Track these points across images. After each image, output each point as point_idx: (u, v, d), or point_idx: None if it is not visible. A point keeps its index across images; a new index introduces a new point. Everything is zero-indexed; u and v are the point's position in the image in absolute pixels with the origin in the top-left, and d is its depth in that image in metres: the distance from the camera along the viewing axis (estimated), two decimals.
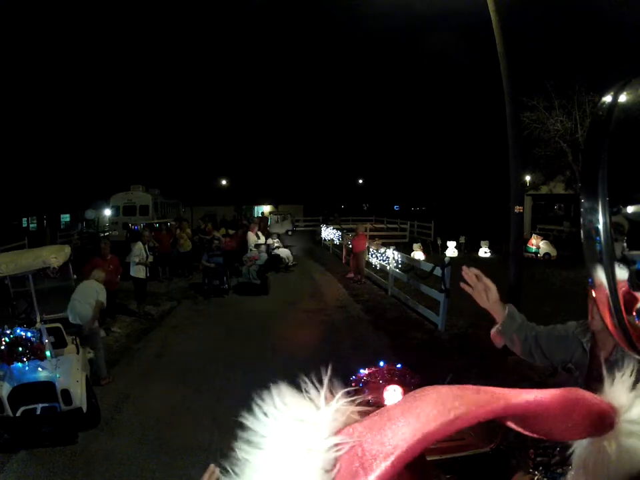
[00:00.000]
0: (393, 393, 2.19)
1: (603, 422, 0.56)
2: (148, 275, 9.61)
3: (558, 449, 1.55)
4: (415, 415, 0.44)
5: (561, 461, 1.50)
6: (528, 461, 1.58)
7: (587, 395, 0.56)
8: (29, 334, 4.47)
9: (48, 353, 4.52)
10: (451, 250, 17.15)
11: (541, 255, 16.48)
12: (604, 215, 0.57)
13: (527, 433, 0.56)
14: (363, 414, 0.49)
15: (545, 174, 21.20)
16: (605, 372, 0.62)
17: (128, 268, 9.23)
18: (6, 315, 6.07)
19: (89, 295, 5.87)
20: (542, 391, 0.53)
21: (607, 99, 0.62)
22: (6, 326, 4.55)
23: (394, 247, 11.98)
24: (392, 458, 0.41)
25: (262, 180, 40.41)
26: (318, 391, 0.50)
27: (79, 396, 4.40)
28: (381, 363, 2.81)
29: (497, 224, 15.84)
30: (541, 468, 1.51)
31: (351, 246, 13.35)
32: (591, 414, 0.55)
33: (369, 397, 2.25)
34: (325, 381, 0.51)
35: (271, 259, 12.60)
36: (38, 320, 4.91)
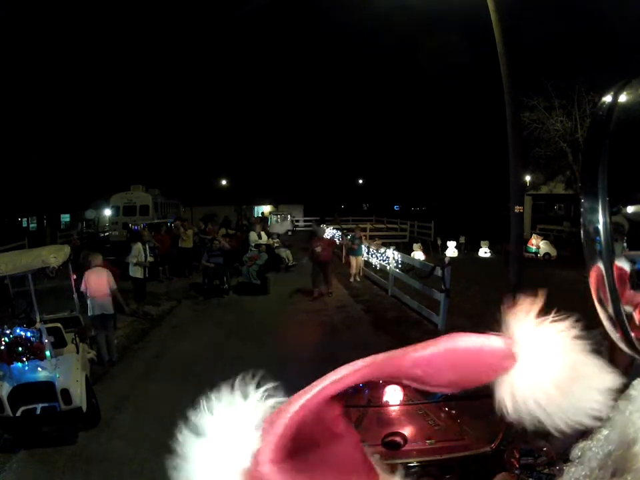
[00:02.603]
0: (392, 393, 2.19)
1: (502, 361, 0.55)
2: (147, 275, 9.60)
3: (544, 449, 1.55)
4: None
5: (548, 462, 1.50)
6: (512, 461, 1.58)
7: (470, 337, 0.55)
8: (29, 334, 4.47)
9: (48, 353, 4.51)
10: (451, 250, 17.15)
11: (541, 255, 16.48)
12: (604, 215, 0.57)
13: (431, 389, 0.57)
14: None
15: (545, 174, 21.20)
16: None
17: (128, 268, 9.24)
18: (6, 315, 6.08)
19: (104, 284, 6.36)
20: (422, 345, 0.55)
21: (607, 98, 0.62)
22: (6, 326, 4.55)
23: (394, 247, 11.98)
24: (287, 414, 0.50)
25: (262, 180, 40.41)
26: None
27: (79, 395, 4.40)
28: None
29: (497, 224, 15.84)
30: (526, 469, 1.52)
31: (316, 251, 10.62)
32: (483, 354, 0.54)
33: (369, 397, 2.26)
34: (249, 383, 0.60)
35: (271, 259, 12.61)
36: (38, 320, 4.90)
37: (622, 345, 0.59)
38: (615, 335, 0.58)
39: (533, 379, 0.54)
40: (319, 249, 10.50)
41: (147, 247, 9.70)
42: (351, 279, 12.36)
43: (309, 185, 43.56)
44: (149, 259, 9.59)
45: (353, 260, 12.56)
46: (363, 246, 12.90)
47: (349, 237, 13.36)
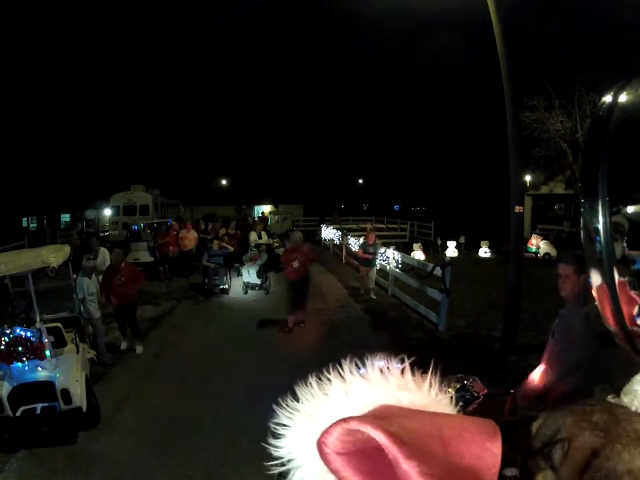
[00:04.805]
0: None
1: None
2: None
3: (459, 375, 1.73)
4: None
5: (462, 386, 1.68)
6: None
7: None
8: (29, 333, 4.47)
9: (48, 353, 4.51)
10: (451, 250, 17.16)
11: (541, 255, 16.48)
12: (604, 215, 0.57)
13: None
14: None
15: (545, 174, 21.21)
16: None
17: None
18: (6, 315, 6.07)
19: (83, 290, 6.33)
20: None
21: (607, 98, 0.62)
22: (6, 325, 4.55)
23: (394, 247, 11.97)
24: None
25: (262, 180, 40.52)
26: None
27: (79, 395, 4.40)
28: (381, 363, 2.81)
29: (497, 224, 15.85)
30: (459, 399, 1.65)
31: (291, 266, 7.76)
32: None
33: None
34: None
35: (271, 259, 12.59)
36: (38, 319, 4.90)
37: (625, 347, 0.59)
38: (618, 335, 0.58)
39: None
40: (296, 264, 7.69)
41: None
42: (371, 295, 10.49)
43: (309, 185, 43.68)
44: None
45: (364, 271, 10.71)
46: (379, 251, 10.76)
47: (360, 242, 11.42)
